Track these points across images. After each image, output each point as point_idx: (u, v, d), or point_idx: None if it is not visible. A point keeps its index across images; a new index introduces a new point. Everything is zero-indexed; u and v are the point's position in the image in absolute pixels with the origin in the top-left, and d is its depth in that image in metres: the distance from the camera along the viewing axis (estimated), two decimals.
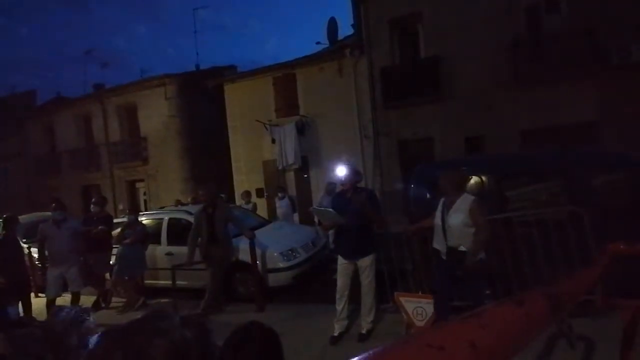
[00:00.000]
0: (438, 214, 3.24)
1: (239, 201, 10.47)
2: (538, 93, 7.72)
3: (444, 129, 8.66)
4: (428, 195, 4.34)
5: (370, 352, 0.48)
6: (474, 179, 4.20)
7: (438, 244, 3.26)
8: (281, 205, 8.36)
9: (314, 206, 4.17)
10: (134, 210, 6.11)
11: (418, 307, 3.59)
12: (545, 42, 7.78)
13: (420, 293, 3.82)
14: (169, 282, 5.87)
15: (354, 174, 3.76)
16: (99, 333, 1.54)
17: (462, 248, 3.05)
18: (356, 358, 0.45)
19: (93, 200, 5.96)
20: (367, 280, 3.69)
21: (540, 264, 3.35)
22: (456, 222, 3.07)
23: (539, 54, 7.71)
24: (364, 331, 3.73)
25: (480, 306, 2.72)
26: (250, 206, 8.28)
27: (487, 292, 3.89)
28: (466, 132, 8.40)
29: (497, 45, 7.98)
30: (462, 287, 3.13)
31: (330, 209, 3.59)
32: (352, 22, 10.25)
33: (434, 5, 8.71)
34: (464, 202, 3.10)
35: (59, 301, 5.04)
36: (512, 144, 7.80)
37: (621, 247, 1.47)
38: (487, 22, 8.03)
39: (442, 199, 3.28)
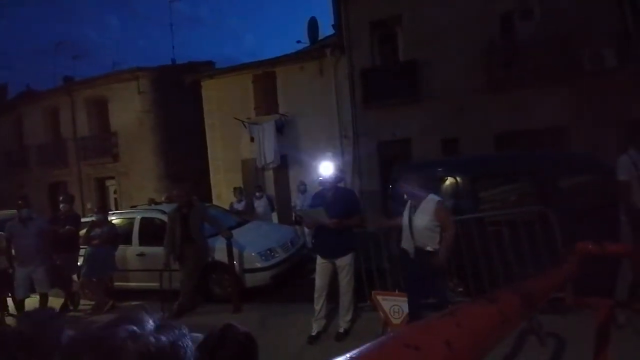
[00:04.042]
0: (405, 215, 3.31)
1: (217, 200, 10.29)
2: (511, 97, 7.99)
3: (422, 130, 8.83)
4: (405, 196, 4.40)
5: (347, 355, 0.46)
6: (449, 180, 4.31)
7: (406, 244, 3.31)
8: (259, 205, 8.28)
9: (304, 208, 4.13)
10: (103, 209, 5.87)
11: (394, 306, 3.63)
12: (519, 48, 8.07)
13: (397, 291, 3.86)
14: (141, 284, 5.70)
15: (336, 173, 3.77)
16: (70, 335, 1.49)
17: (429, 248, 3.13)
18: None
19: (61, 198, 5.71)
20: (345, 280, 3.70)
21: (510, 262, 3.47)
22: (422, 224, 3.14)
23: (513, 60, 8.00)
24: (341, 330, 3.74)
25: (444, 302, 2.81)
26: (242, 205, 8.03)
27: (460, 289, 4.01)
28: (442, 134, 8.60)
29: (472, 50, 8.21)
30: (427, 285, 3.21)
31: (321, 208, 3.56)
32: (333, 22, 10.29)
33: (413, 9, 8.86)
34: (429, 204, 3.17)
35: (28, 302, 4.97)
36: (486, 146, 8.04)
37: (589, 247, 1.52)
38: (463, 28, 8.25)
39: (409, 201, 3.33)
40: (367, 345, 0.49)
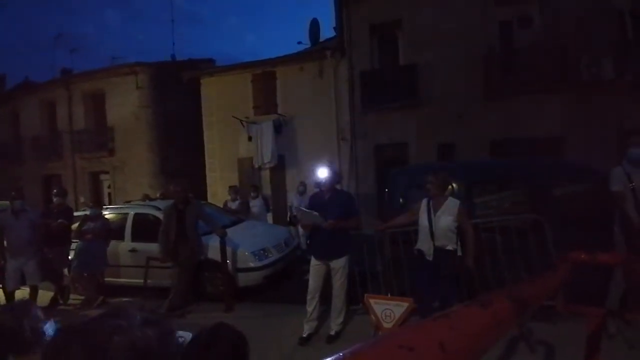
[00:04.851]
0: (424, 215, 3.33)
1: (212, 198, 10.24)
2: (508, 105, 8.04)
3: (419, 134, 8.87)
4: (401, 200, 4.42)
5: (341, 353, 0.46)
6: None
7: (423, 245, 3.33)
8: (254, 205, 8.25)
9: (299, 207, 4.12)
10: (97, 203, 5.82)
11: (386, 309, 3.61)
12: (517, 57, 8.13)
13: (389, 295, 3.86)
14: (132, 280, 5.66)
15: (334, 175, 3.77)
16: (57, 328, 1.49)
17: (449, 248, 3.19)
18: (327, 359, 0.44)
19: (54, 191, 5.67)
20: (339, 282, 3.70)
21: (502, 268, 3.49)
22: (445, 224, 3.21)
23: (511, 68, 8.06)
24: (332, 333, 3.73)
25: (451, 305, 2.82)
26: (236, 204, 7.99)
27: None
28: (439, 138, 8.64)
29: (471, 56, 8.27)
30: (443, 286, 3.24)
31: (315, 212, 3.58)
32: (334, 24, 10.32)
33: (413, 14, 8.91)
34: (451, 205, 3.25)
35: (19, 294, 4.92)
36: (482, 153, 8.09)
37: (582, 256, 1.53)
38: (462, 34, 8.30)
39: (427, 200, 3.36)
40: (361, 344, 0.49)
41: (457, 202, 3.28)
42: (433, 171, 3.43)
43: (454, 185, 4.18)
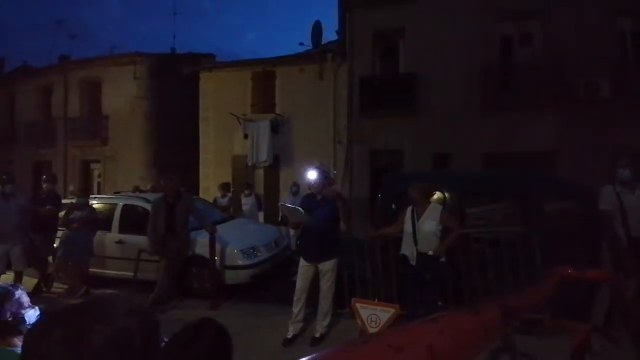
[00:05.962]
0: (408, 221, 3.39)
1: (204, 194, 10.17)
2: (504, 119, 8.13)
3: (415, 143, 8.91)
4: (394, 206, 4.43)
5: (332, 349, 0.45)
6: (437, 195, 4.34)
7: (406, 250, 3.38)
8: (246, 203, 8.23)
9: (284, 203, 4.12)
10: (85, 192, 5.74)
11: (373, 314, 3.61)
12: (516, 73, 8.23)
13: (377, 300, 3.85)
14: (117, 272, 5.57)
15: (325, 178, 3.76)
16: (40, 311, 1.47)
17: (431, 253, 3.24)
18: (320, 353, 0.43)
19: (44, 177, 5.58)
20: (326, 285, 3.68)
21: (490, 279, 3.51)
22: (429, 229, 3.27)
23: (508, 83, 8.15)
24: (317, 335, 3.71)
25: (432, 311, 2.83)
26: (226, 200, 8.01)
27: (439, 303, 4.02)
28: (435, 148, 8.68)
29: (469, 70, 8.35)
30: (425, 292, 3.26)
31: (299, 208, 3.57)
32: (337, 28, 10.35)
33: (416, 23, 8.98)
34: (434, 211, 3.33)
35: (4, 279, 4.80)
36: (476, 165, 8.15)
37: (569, 271, 1.54)
38: (463, 46, 8.38)
39: (411, 207, 3.42)
40: (352, 341, 0.48)
41: (440, 206, 3.39)
42: (416, 179, 3.51)
43: (447, 195, 4.20)
